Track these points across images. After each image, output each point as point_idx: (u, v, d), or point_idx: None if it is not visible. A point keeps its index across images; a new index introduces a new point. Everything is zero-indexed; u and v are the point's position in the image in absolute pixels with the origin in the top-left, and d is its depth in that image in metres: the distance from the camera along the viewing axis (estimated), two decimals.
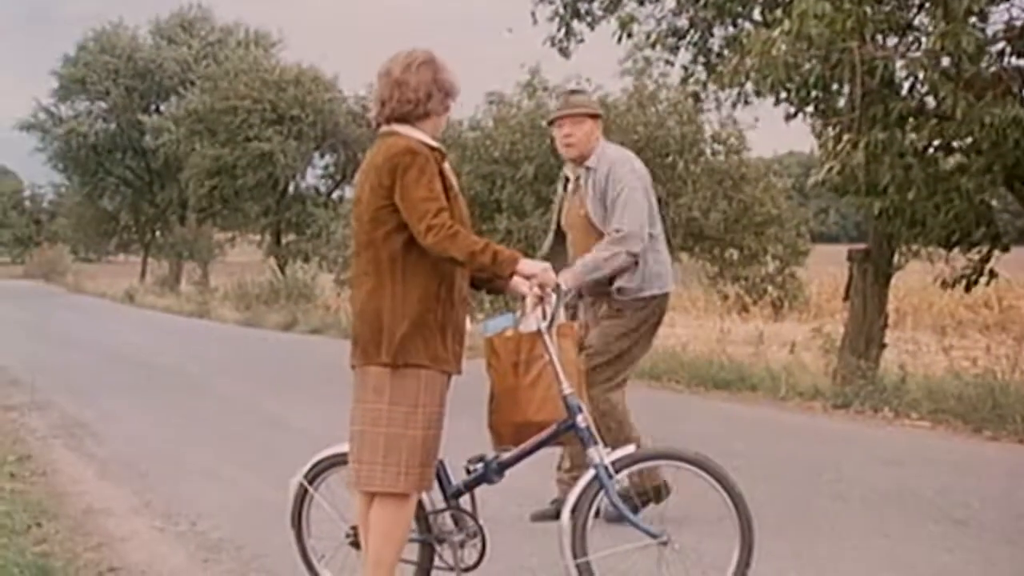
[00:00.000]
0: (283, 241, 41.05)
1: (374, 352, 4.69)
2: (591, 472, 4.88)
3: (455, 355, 4.80)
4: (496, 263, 4.62)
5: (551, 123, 7.12)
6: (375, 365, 4.69)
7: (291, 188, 41.36)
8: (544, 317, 4.88)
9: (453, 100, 4.91)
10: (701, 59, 14.34)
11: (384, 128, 4.83)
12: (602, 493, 4.87)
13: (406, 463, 4.68)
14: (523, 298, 4.95)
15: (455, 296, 4.79)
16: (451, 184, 4.77)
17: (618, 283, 6.71)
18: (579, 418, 4.85)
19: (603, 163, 6.80)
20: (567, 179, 7.09)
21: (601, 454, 4.86)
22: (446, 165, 4.82)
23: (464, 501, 5.12)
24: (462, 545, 5.08)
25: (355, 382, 4.80)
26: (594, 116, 6.93)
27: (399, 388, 4.66)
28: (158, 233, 50.85)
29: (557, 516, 5.89)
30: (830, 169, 10.97)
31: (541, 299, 4.89)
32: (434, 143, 4.77)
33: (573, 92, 7.03)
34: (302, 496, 5.32)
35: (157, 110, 46.49)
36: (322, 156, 40.92)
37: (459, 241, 4.56)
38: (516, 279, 4.82)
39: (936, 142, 10.97)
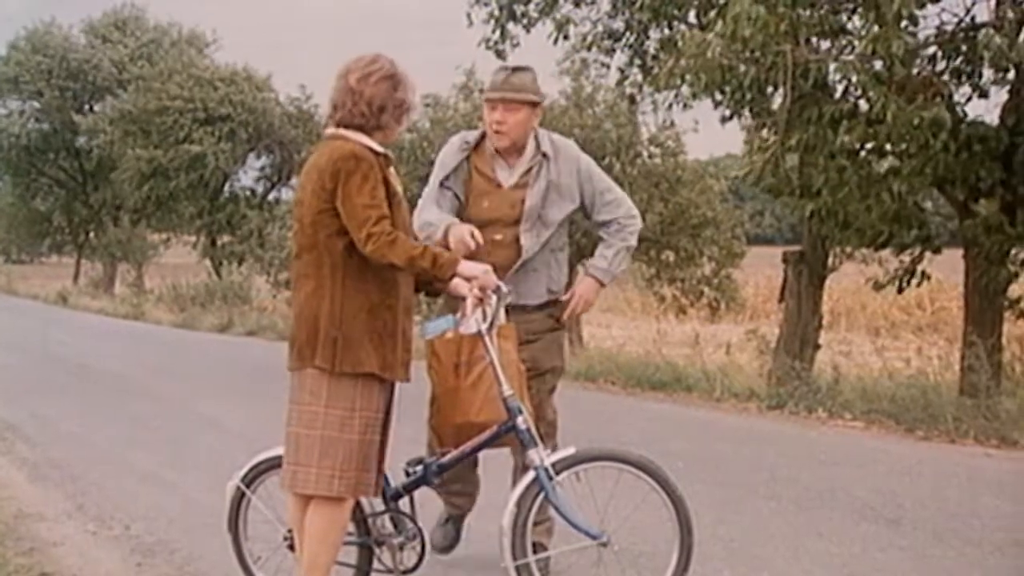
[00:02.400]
0: (218, 243, 40.76)
1: (309, 355, 4.68)
2: (531, 474, 4.88)
3: (402, 362, 4.80)
4: (436, 267, 4.62)
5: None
6: (311, 368, 4.68)
7: (225, 189, 41.08)
8: (484, 319, 4.88)
9: (408, 116, 4.88)
10: (637, 61, 14.41)
11: (330, 131, 4.81)
12: (542, 495, 4.87)
13: (341, 467, 4.67)
14: (463, 300, 4.93)
15: (399, 303, 4.78)
16: (395, 191, 4.76)
17: (551, 286, 5.95)
18: (519, 420, 4.85)
19: (562, 155, 5.95)
20: (471, 166, 5.97)
21: (542, 456, 4.86)
22: (391, 171, 4.82)
23: (403, 503, 5.12)
24: (401, 547, 5.09)
25: (291, 384, 4.79)
26: (533, 104, 5.85)
27: (336, 392, 4.65)
28: (92, 234, 50.30)
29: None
30: (753, 163, 11.08)
31: (481, 301, 4.88)
32: (380, 148, 4.75)
33: (516, 70, 5.89)
34: (239, 499, 5.29)
35: (91, 110, 45.98)
36: (258, 157, 40.65)
37: (398, 248, 4.56)
38: (456, 281, 4.82)
39: (868, 144, 11.09)
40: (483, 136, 6.00)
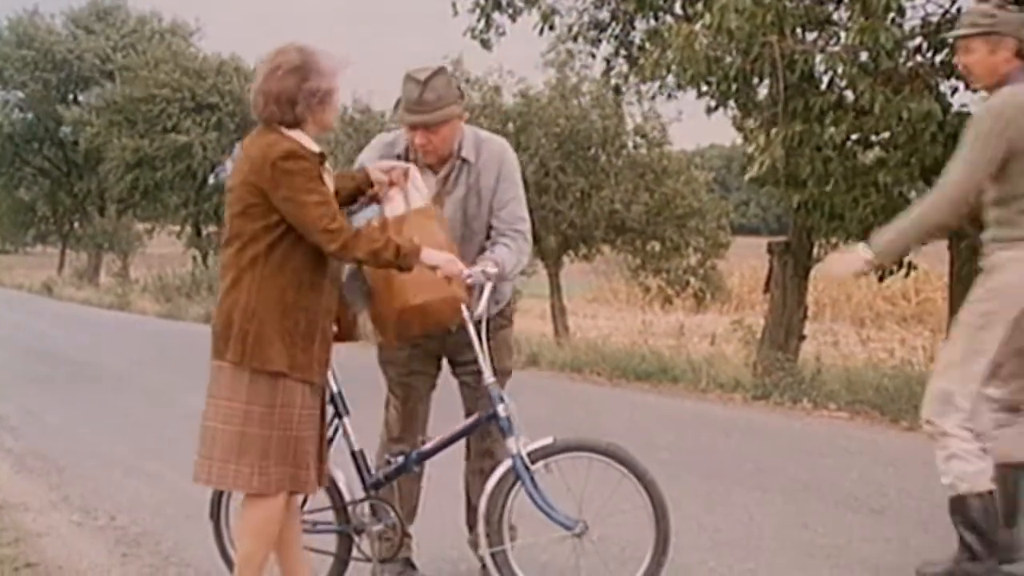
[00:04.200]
0: (204, 232, 40.70)
1: (223, 348, 4.65)
2: (508, 463, 4.90)
3: (318, 362, 4.73)
4: (400, 257, 4.62)
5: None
6: (224, 361, 4.66)
7: (211, 179, 41.05)
8: (407, 201, 4.93)
9: (328, 101, 4.70)
10: (623, 52, 14.41)
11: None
12: (519, 484, 4.89)
13: (259, 464, 4.62)
14: (390, 184, 4.93)
15: (319, 305, 4.71)
16: (329, 189, 4.70)
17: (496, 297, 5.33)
18: (500, 408, 4.87)
19: (484, 156, 5.42)
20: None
21: (519, 445, 4.86)
22: (327, 166, 4.76)
23: (385, 492, 5.13)
24: (380, 536, 5.10)
25: (210, 377, 4.76)
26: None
27: (255, 388, 4.61)
28: (77, 224, 50.21)
29: None
30: (762, 164, 11.08)
31: (392, 182, 4.94)
32: (315, 147, 4.67)
33: (426, 81, 5.19)
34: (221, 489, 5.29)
35: (75, 100, 45.86)
36: None
37: (361, 243, 4.56)
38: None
39: (855, 136, 11.11)
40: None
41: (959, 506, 5.43)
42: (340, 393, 5.12)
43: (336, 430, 5.12)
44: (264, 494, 4.65)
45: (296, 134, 4.64)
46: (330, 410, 4.97)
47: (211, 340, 4.75)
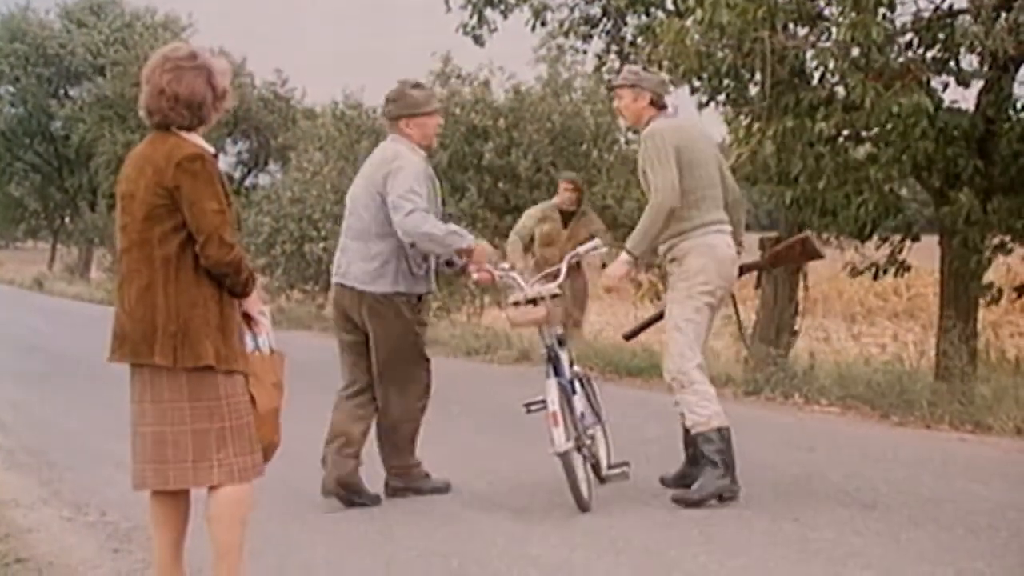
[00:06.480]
0: None
1: (146, 352, 4.65)
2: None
3: (241, 353, 4.78)
4: (247, 288, 4.75)
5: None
6: (148, 365, 4.67)
7: None
8: (267, 340, 4.96)
9: (226, 99, 4.83)
10: (615, 48, 14.41)
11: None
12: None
13: (217, 457, 4.66)
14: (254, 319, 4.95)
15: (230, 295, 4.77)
16: (227, 190, 4.74)
17: None
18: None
19: None
20: None
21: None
22: (217, 165, 4.79)
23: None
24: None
25: (140, 381, 4.76)
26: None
27: (197, 386, 4.64)
28: (67, 219, 50.09)
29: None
30: (739, 156, 11.09)
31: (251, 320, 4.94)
32: (211, 148, 4.73)
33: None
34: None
35: (66, 94, 45.75)
36: (235, 143, 40.56)
37: (242, 264, 4.67)
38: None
39: (846, 132, 11.11)
40: None
41: (711, 437, 7.12)
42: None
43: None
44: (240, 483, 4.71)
45: (193, 137, 4.69)
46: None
47: (119, 343, 4.77)
